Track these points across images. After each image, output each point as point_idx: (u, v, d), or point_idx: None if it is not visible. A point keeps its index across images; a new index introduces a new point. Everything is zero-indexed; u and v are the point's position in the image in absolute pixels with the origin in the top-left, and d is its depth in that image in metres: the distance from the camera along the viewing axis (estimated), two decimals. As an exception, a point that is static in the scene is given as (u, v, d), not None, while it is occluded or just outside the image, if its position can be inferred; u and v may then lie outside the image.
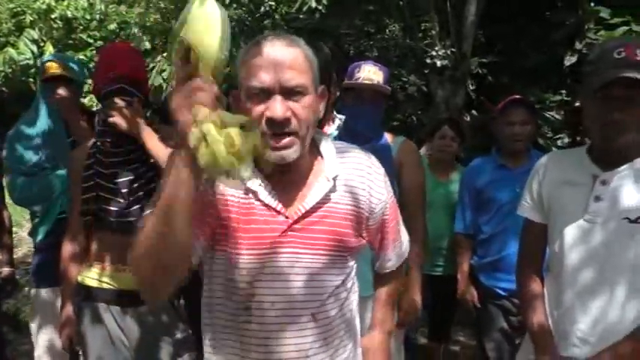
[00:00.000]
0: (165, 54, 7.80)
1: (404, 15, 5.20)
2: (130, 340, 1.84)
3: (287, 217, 1.09)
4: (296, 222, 1.09)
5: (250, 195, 1.09)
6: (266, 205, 1.09)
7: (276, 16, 6.61)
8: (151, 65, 7.66)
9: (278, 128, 1.01)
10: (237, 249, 1.09)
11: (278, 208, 1.09)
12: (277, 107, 1.00)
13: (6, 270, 2.56)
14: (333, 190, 1.12)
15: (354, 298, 1.25)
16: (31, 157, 2.19)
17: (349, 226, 1.14)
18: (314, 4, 5.46)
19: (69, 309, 1.92)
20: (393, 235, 1.30)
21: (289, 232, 1.08)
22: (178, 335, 1.88)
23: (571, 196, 1.48)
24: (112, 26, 8.94)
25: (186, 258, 1.02)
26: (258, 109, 1.02)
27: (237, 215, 1.09)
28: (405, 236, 1.38)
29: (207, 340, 1.18)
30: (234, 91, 1.12)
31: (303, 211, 1.09)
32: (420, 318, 3.02)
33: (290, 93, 1.02)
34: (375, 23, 5.46)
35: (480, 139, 4.35)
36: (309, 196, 1.10)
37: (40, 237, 2.23)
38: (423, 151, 3.15)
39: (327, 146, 1.17)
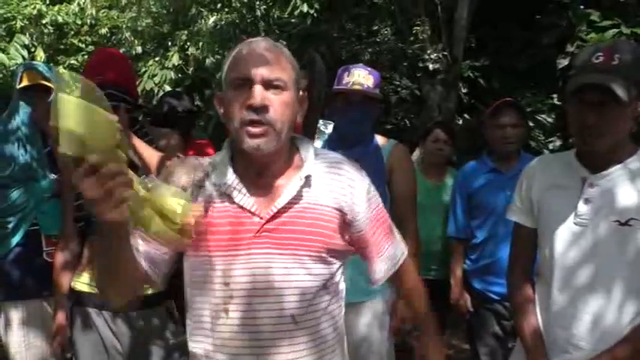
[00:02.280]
0: (157, 58, 7.79)
1: (395, 19, 5.21)
2: (122, 345, 1.83)
3: (261, 218, 1.09)
4: (268, 222, 1.09)
5: (224, 199, 1.11)
6: (240, 207, 1.10)
7: (269, 21, 6.61)
8: (143, 70, 7.64)
9: (256, 114, 1.05)
10: (213, 251, 1.10)
11: (252, 210, 1.10)
12: (256, 94, 1.05)
13: None
14: (306, 188, 1.12)
15: (341, 304, 1.23)
16: (4, 167, 2.11)
17: (329, 227, 1.13)
18: (305, 9, 5.46)
19: (61, 316, 1.91)
20: (383, 242, 1.26)
21: (263, 233, 1.09)
22: (171, 339, 1.87)
23: (561, 200, 1.48)
24: (104, 31, 8.89)
25: (139, 282, 1.14)
26: (240, 99, 1.06)
27: (211, 219, 1.11)
28: (399, 244, 1.32)
29: (191, 342, 1.18)
30: (217, 94, 1.15)
31: (275, 210, 1.09)
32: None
33: (270, 85, 1.07)
34: (366, 27, 5.47)
35: (472, 143, 4.36)
36: (282, 195, 1.11)
37: (8, 248, 2.15)
38: (416, 154, 3.15)
39: (307, 150, 1.18)
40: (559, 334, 1.45)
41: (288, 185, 1.12)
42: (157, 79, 7.25)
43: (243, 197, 1.10)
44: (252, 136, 1.05)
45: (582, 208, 1.43)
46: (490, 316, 2.44)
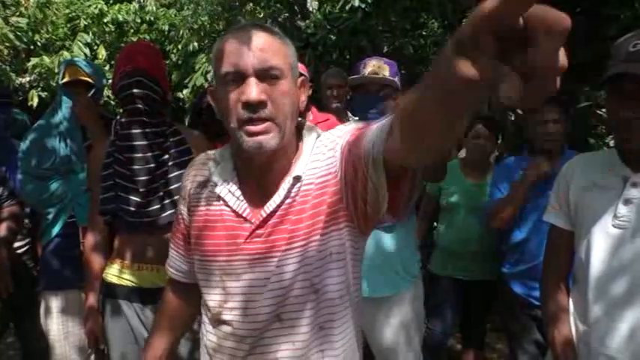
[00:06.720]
0: (210, 54, 7.92)
1: (445, 11, 5.04)
2: None
3: (252, 224, 1.04)
4: (259, 227, 1.03)
5: (221, 202, 1.07)
6: (234, 211, 1.05)
7: (319, 15, 6.58)
8: (197, 66, 7.80)
9: (253, 110, 0.95)
10: (211, 255, 1.07)
11: (245, 215, 1.04)
12: (252, 89, 0.94)
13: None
14: (296, 187, 1.02)
15: (332, 298, 1.05)
16: (46, 159, 2.18)
17: (323, 211, 1.00)
18: (357, 3, 5.37)
19: (92, 298, 1.93)
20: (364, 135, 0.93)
21: (254, 239, 1.03)
22: (199, 330, 1.88)
23: (599, 200, 1.37)
24: (163, 28, 9.18)
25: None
26: (234, 95, 0.96)
27: (207, 224, 1.08)
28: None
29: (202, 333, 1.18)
30: (209, 88, 1.07)
31: (265, 215, 1.03)
32: (453, 323, 2.92)
33: (265, 76, 0.96)
34: (411, 20, 5.31)
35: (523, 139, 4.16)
36: (273, 199, 1.03)
37: (48, 238, 2.24)
38: (463, 152, 3.04)
39: (308, 140, 1.08)
40: (593, 345, 1.35)
41: (281, 186, 1.03)
42: (209, 76, 7.40)
43: (237, 201, 1.05)
44: (253, 134, 0.96)
45: (622, 209, 1.32)
46: (531, 323, 2.30)
